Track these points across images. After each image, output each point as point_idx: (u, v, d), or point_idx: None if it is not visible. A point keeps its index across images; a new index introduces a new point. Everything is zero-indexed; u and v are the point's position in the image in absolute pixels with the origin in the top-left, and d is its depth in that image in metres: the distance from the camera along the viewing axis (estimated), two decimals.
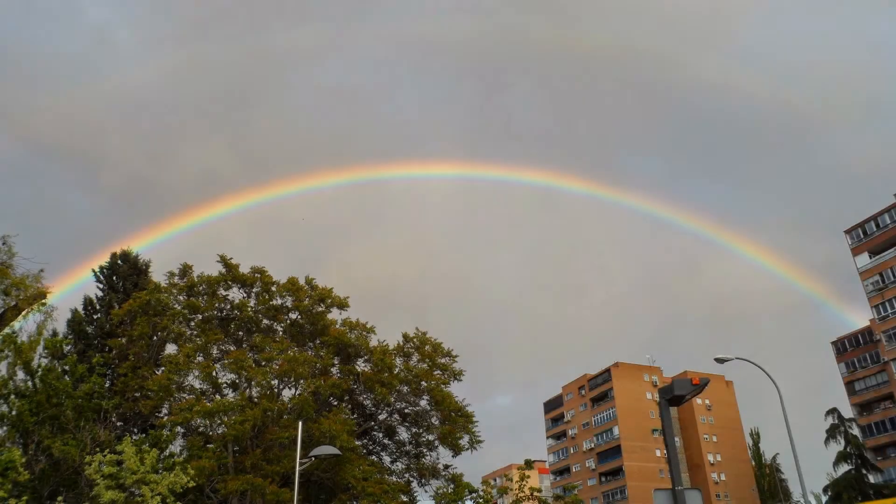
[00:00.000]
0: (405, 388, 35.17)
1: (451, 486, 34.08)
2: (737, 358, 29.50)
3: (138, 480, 21.40)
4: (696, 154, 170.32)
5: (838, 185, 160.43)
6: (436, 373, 35.64)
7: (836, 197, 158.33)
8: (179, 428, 29.53)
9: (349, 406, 36.12)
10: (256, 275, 34.91)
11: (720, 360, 29.67)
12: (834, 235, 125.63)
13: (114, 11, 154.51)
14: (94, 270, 36.97)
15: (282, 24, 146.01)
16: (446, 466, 35.73)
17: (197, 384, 31.83)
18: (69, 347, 31.77)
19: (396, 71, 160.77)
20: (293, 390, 33.38)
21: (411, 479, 36.33)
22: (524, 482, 33.90)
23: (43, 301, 25.63)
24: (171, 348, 32.98)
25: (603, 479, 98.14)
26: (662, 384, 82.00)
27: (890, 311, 67.56)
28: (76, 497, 24.05)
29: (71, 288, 36.88)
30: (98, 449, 22.80)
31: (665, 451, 70.18)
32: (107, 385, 29.93)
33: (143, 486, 21.25)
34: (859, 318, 76.29)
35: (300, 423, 24.61)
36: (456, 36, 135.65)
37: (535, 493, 34.52)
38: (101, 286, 36.74)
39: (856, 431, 71.14)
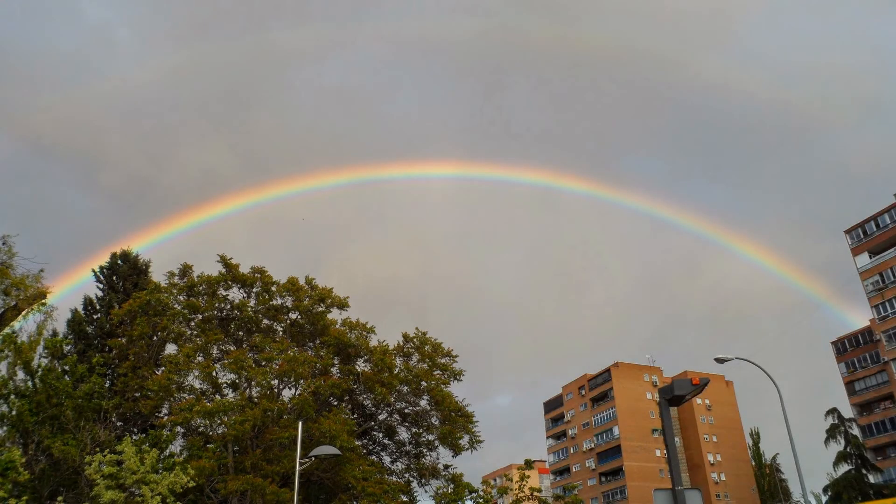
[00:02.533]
0: (405, 388, 35.17)
1: (451, 486, 34.08)
2: (737, 358, 29.53)
3: (138, 480, 21.41)
4: (696, 154, 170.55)
5: (838, 185, 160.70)
6: (436, 373, 35.64)
7: (836, 197, 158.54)
8: (179, 428, 29.50)
9: (349, 406, 36.10)
10: (256, 275, 34.89)
11: (720, 360, 29.69)
12: (834, 235, 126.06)
13: (114, 11, 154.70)
14: (94, 270, 36.99)
15: (282, 24, 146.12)
16: (446, 466, 35.74)
17: (197, 384, 31.80)
18: (69, 347, 31.78)
19: (396, 71, 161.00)
20: (293, 390, 33.40)
21: (411, 479, 36.32)
22: (524, 482, 33.94)
23: (43, 301, 25.62)
24: (171, 348, 32.97)
25: (603, 479, 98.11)
26: (662, 384, 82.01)
27: (890, 311, 67.54)
28: (76, 497, 24.05)
29: (71, 288, 36.91)
30: (98, 449, 22.79)
31: (665, 451, 70.24)
32: (107, 385, 29.91)
33: (143, 486, 21.26)
34: (859, 318, 76.38)
35: (300, 423, 24.59)
36: (456, 36, 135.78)
37: (535, 493, 34.56)
38: (101, 286, 36.74)
39: (856, 431, 71.20)
